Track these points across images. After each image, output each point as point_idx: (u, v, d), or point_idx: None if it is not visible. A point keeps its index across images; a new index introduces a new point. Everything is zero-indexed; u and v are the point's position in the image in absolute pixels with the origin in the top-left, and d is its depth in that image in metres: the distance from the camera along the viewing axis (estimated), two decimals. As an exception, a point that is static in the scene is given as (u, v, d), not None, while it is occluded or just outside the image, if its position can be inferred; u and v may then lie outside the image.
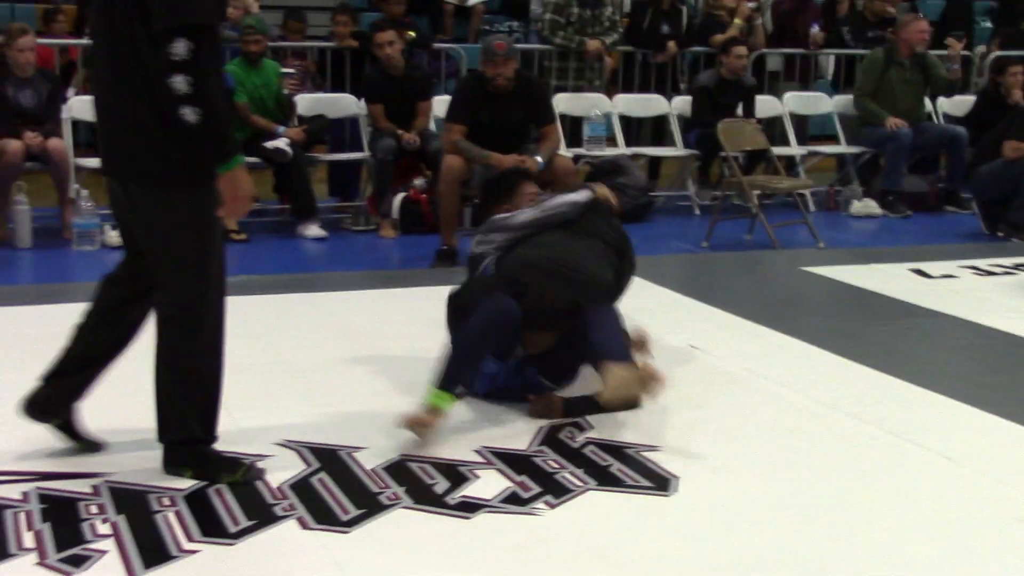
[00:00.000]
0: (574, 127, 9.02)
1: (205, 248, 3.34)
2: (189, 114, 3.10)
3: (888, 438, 3.97)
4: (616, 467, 3.66)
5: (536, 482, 3.52)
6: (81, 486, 3.39)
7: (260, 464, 3.55)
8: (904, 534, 3.23)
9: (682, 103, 9.34)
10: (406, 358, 4.32)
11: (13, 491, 3.34)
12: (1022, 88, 9.19)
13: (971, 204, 8.77)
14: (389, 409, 3.92)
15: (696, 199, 9.07)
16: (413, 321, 5.15)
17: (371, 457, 3.66)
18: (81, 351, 3.54)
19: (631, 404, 4.06)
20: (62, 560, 2.95)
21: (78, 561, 2.95)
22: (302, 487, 3.44)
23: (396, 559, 3.03)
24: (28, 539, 3.06)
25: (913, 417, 4.19)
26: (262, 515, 3.24)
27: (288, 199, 8.18)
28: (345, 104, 8.55)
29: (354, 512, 3.28)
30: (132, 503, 3.28)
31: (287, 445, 3.75)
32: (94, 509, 3.25)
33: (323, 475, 3.53)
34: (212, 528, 3.15)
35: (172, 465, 3.46)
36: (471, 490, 3.45)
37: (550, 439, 3.89)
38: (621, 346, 4.05)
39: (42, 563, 2.94)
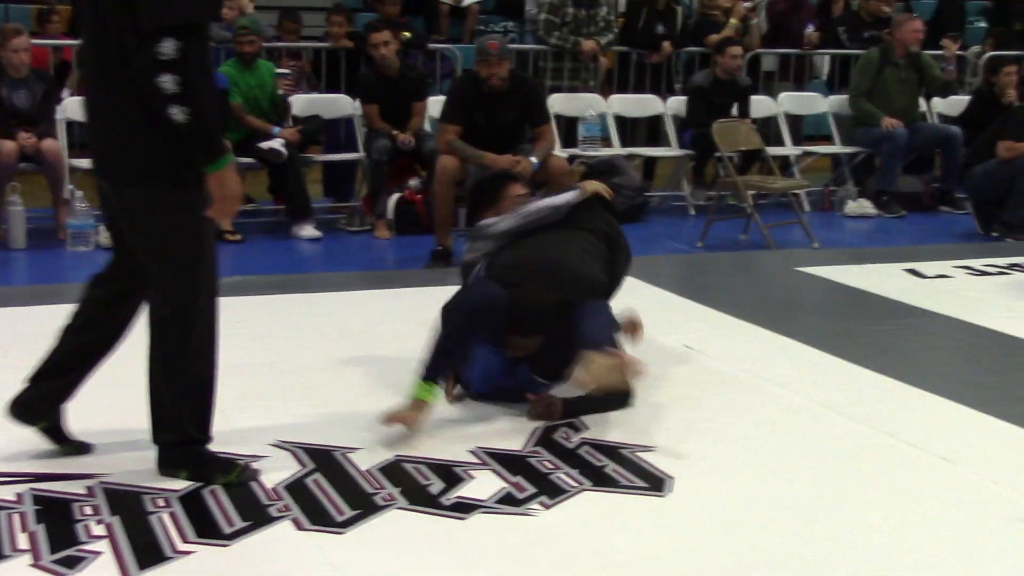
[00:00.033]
0: (569, 127, 9.02)
1: (197, 248, 3.33)
2: (177, 113, 3.09)
3: (882, 438, 3.97)
4: (611, 467, 3.66)
5: (531, 483, 3.52)
6: (75, 487, 3.38)
7: (255, 465, 3.55)
8: (898, 535, 3.23)
9: (677, 103, 9.35)
10: (401, 359, 4.32)
11: (7, 492, 3.33)
12: (1016, 88, 9.20)
13: (965, 204, 8.78)
14: (384, 410, 3.92)
15: (691, 199, 9.08)
16: (408, 322, 5.14)
17: (366, 458, 3.66)
18: (67, 352, 3.53)
19: (613, 392, 4.03)
20: (56, 561, 2.95)
21: (72, 562, 2.94)
22: (297, 488, 3.43)
23: (391, 560, 3.03)
24: (22, 540, 3.05)
25: (907, 417, 4.20)
26: (257, 516, 3.23)
27: (283, 199, 8.19)
28: (340, 104, 8.56)
29: (349, 513, 3.28)
30: (126, 504, 3.28)
31: (282, 446, 3.74)
32: (88, 510, 3.24)
33: (318, 476, 3.53)
34: (207, 529, 3.15)
35: (167, 466, 3.45)
36: (466, 491, 3.44)
37: (545, 440, 3.88)
38: (604, 335, 4.00)
39: (36, 564, 2.93)
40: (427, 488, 3.46)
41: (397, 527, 3.21)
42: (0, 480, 3.42)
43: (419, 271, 6.72)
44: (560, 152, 7.93)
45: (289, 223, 7.86)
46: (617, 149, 9.08)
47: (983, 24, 12.98)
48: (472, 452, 3.74)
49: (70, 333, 3.53)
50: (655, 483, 3.54)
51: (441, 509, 3.33)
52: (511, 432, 3.94)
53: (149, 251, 3.33)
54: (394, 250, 7.56)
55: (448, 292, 4.18)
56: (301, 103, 8.35)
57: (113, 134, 3.28)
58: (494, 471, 3.60)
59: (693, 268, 7.15)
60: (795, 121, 10.01)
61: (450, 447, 3.77)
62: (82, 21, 3.49)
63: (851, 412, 4.21)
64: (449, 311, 4.00)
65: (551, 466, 3.66)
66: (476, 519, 3.28)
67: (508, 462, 3.68)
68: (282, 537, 3.13)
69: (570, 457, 3.73)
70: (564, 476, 3.58)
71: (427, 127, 8.13)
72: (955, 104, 9.94)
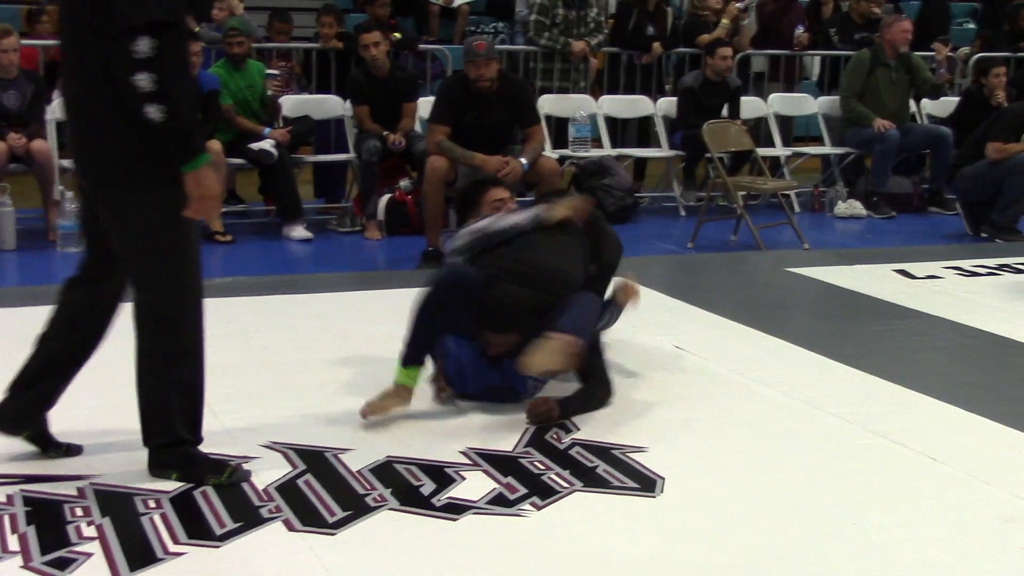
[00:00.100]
0: (559, 128, 9.04)
1: (180, 248, 3.31)
2: (153, 112, 3.08)
3: (873, 438, 3.98)
4: (602, 468, 3.66)
5: (522, 483, 3.52)
6: (66, 488, 3.38)
7: (246, 466, 3.54)
8: (889, 534, 3.24)
9: (667, 104, 9.36)
10: (392, 360, 4.31)
11: (-3, 494, 3.33)
12: (1005, 89, 9.23)
13: (955, 205, 8.80)
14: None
15: (681, 200, 9.09)
16: (398, 322, 5.12)
17: (357, 459, 3.66)
18: (45, 360, 3.49)
19: (593, 391, 4.19)
20: (47, 563, 2.94)
21: (63, 564, 2.94)
22: (288, 489, 3.43)
23: (382, 561, 3.03)
24: (12, 542, 3.05)
25: (898, 417, 4.20)
26: (248, 517, 3.23)
27: (273, 200, 8.19)
28: (330, 105, 8.55)
29: (340, 514, 3.28)
30: (117, 505, 3.27)
31: (273, 447, 3.74)
32: (79, 511, 3.24)
33: (309, 477, 3.52)
34: (198, 530, 3.14)
35: (158, 467, 3.44)
36: (457, 492, 3.44)
37: (536, 440, 3.89)
38: (569, 324, 3.99)
39: (27, 566, 2.93)
40: (419, 489, 3.46)
41: (388, 528, 3.21)
42: (-10, 481, 3.41)
43: (410, 272, 6.70)
44: (550, 153, 7.93)
45: (279, 224, 7.86)
46: (607, 150, 9.10)
47: (972, 25, 13.02)
48: (463, 453, 3.74)
49: (47, 340, 3.49)
50: (646, 483, 3.54)
51: (433, 510, 3.33)
52: (502, 433, 3.94)
53: (133, 251, 3.31)
54: (385, 251, 7.56)
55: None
56: (291, 104, 8.34)
57: (93, 134, 3.27)
58: (485, 472, 3.60)
59: (683, 269, 7.15)
60: (785, 122, 10.03)
61: (441, 448, 3.77)
62: (58, 21, 3.46)
63: (842, 412, 4.22)
64: (422, 291, 4.06)
65: (542, 467, 3.66)
66: (468, 520, 3.28)
67: (499, 463, 3.68)
68: (273, 538, 3.13)
69: (561, 458, 3.74)
70: (555, 477, 3.58)
71: (418, 128, 8.13)
72: (945, 105, 9.97)
